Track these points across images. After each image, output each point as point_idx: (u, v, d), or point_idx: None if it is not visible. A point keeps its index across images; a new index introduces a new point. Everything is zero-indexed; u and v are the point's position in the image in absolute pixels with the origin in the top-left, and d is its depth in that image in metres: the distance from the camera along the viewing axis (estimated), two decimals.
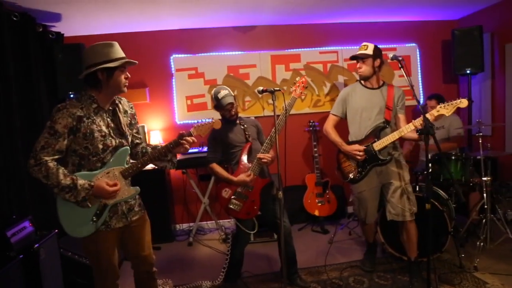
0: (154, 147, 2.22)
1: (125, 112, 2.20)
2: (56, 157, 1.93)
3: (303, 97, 3.02)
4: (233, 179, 2.81)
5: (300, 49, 4.73)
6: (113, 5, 3.46)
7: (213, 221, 4.57)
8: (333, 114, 3.19)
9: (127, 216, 2.13)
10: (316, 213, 4.40)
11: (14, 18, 3.25)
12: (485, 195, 3.28)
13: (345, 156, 3.05)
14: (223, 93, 2.83)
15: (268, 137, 2.82)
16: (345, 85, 4.66)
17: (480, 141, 3.32)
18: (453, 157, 3.46)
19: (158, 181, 4.21)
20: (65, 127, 1.91)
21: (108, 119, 2.07)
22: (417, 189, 3.35)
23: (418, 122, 2.62)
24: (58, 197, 1.96)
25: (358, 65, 2.99)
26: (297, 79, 2.99)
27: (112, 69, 1.98)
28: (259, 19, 4.40)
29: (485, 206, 3.26)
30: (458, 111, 4.65)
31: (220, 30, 4.60)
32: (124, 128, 2.12)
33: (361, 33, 4.72)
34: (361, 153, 2.91)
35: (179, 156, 3.91)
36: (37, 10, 3.41)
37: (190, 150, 4.11)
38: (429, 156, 3.26)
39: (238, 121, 2.96)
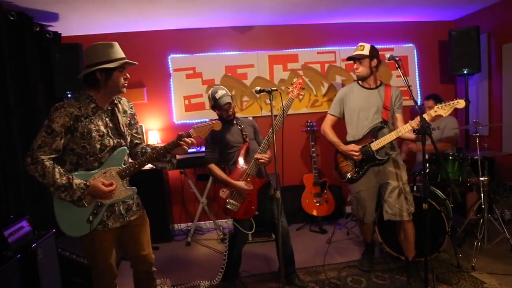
0: (154, 148, 2.21)
1: (125, 112, 2.19)
2: (53, 156, 1.93)
3: (300, 97, 3.03)
4: (231, 182, 2.80)
5: (298, 49, 4.74)
6: (110, 5, 3.46)
7: (211, 221, 4.57)
8: (330, 114, 3.19)
9: (124, 216, 2.13)
10: (314, 213, 4.41)
11: (11, 18, 3.24)
12: (482, 195, 3.29)
13: (343, 156, 3.06)
14: (220, 93, 2.83)
15: (266, 137, 2.82)
16: (343, 85, 4.67)
17: (477, 141, 3.34)
18: (450, 157, 3.47)
19: (156, 181, 4.20)
20: (62, 126, 1.91)
21: (107, 119, 2.07)
22: (415, 189, 3.36)
23: (415, 122, 2.63)
24: (54, 196, 1.96)
25: (355, 66, 3.00)
26: (294, 80, 2.99)
27: (111, 69, 1.98)
28: (257, 19, 4.40)
29: (483, 206, 3.27)
30: (456, 111, 4.69)
31: (218, 30, 4.60)
32: (122, 128, 2.12)
33: (359, 34, 4.73)
34: (357, 153, 2.91)
35: (177, 156, 3.90)
36: (34, 10, 3.40)
37: (188, 150, 4.16)
38: (427, 156, 3.29)
39: (235, 121, 2.96)
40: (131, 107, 2.26)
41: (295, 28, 4.74)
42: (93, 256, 2.08)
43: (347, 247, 3.83)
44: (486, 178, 3.32)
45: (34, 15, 3.53)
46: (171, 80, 4.58)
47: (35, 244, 2.49)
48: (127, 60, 2.03)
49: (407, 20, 4.87)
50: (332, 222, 4.44)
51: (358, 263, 3.33)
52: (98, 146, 1.99)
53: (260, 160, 2.78)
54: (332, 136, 3.11)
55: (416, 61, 4.94)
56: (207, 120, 2.26)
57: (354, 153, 2.92)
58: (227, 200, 2.81)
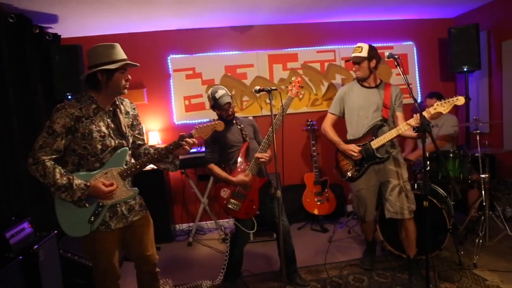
0: (156, 149, 2.21)
1: (127, 113, 2.20)
2: (54, 156, 1.94)
3: (300, 96, 3.03)
4: (232, 179, 2.81)
5: (297, 49, 4.74)
6: (109, 6, 3.46)
7: (213, 221, 4.57)
8: (331, 113, 3.19)
9: (127, 216, 2.13)
10: (316, 212, 4.41)
11: (11, 20, 3.24)
12: (483, 192, 3.29)
13: (343, 155, 3.06)
14: (220, 93, 2.83)
15: (266, 137, 2.82)
16: (343, 84, 4.66)
17: (478, 139, 3.33)
18: (451, 155, 3.47)
19: (157, 182, 4.20)
20: (63, 127, 1.92)
21: (108, 120, 2.07)
22: (416, 187, 3.36)
23: (415, 120, 2.63)
24: (55, 196, 1.96)
25: (354, 68, 3.00)
26: (293, 78, 3.00)
27: (112, 70, 1.98)
28: (256, 18, 4.40)
29: (484, 204, 3.27)
30: (456, 109, 4.72)
31: (217, 30, 4.60)
32: (124, 129, 2.12)
33: (358, 32, 4.73)
34: (356, 153, 2.91)
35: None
36: (33, 12, 3.41)
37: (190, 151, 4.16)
38: (427, 154, 3.28)
39: (234, 121, 2.96)
40: (134, 108, 2.27)
41: (295, 27, 4.74)
42: (95, 257, 2.08)
43: (349, 245, 3.83)
44: (487, 175, 3.32)
45: (33, 17, 3.53)
46: (171, 80, 4.58)
47: (36, 246, 2.49)
48: (128, 62, 2.03)
49: (406, 18, 4.86)
50: (333, 221, 4.44)
51: (360, 262, 3.33)
52: (99, 146, 2.00)
53: (261, 159, 2.78)
54: (332, 135, 3.12)
55: (415, 59, 4.94)
56: (208, 120, 2.25)
57: (353, 153, 2.92)
58: (229, 200, 2.81)
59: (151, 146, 2.30)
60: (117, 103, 2.13)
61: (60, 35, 4.13)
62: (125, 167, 2.08)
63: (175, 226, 4.69)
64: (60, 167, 1.93)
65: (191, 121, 4.59)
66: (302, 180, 4.56)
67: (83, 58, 3.91)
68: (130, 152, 2.18)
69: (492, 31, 4.41)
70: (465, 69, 4.33)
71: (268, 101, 2.52)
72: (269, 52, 4.69)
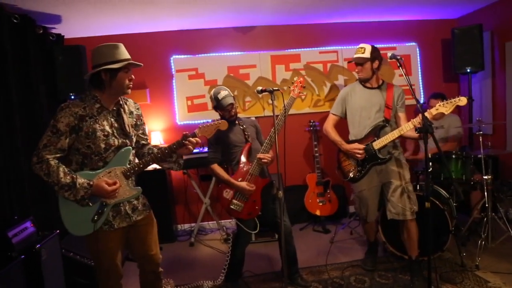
0: (159, 148, 2.22)
1: (131, 113, 2.21)
2: (58, 155, 1.95)
3: (303, 96, 3.03)
4: (233, 182, 2.80)
5: (300, 49, 4.74)
6: (112, 7, 3.47)
7: (215, 221, 4.57)
8: (333, 114, 3.19)
9: (131, 216, 2.14)
10: (318, 212, 4.40)
11: (15, 20, 3.26)
12: (486, 193, 3.27)
13: (345, 155, 3.06)
14: (223, 93, 2.83)
15: (268, 137, 2.82)
16: (345, 84, 4.66)
17: (481, 140, 3.32)
18: (453, 156, 3.46)
19: (159, 182, 4.21)
20: (67, 126, 1.93)
21: (112, 119, 2.09)
22: (418, 188, 3.35)
23: (417, 120, 2.63)
24: (59, 195, 1.97)
25: (356, 70, 2.99)
26: (295, 79, 3.00)
27: (115, 70, 2.00)
28: (258, 19, 4.41)
29: (486, 205, 3.25)
30: (460, 110, 4.70)
31: (219, 31, 4.61)
32: (128, 129, 2.13)
33: (361, 33, 4.73)
34: (360, 152, 2.91)
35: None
36: (37, 12, 3.43)
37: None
38: (429, 155, 3.27)
39: (237, 122, 2.96)
40: (138, 108, 2.28)
41: (297, 28, 4.74)
42: (98, 256, 2.09)
43: (350, 246, 3.83)
44: (490, 177, 3.30)
45: (37, 18, 3.55)
46: (174, 81, 4.59)
47: (39, 245, 2.51)
48: (131, 61, 2.05)
49: (409, 19, 4.85)
50: (335, 221, 4.43)
51: (361, 263, 3.32)
52: (102, 145, 2.01)
53: (263, 160, 2.78)
54: (334, 135, 3.11)
55: (418, 59, 4.92)
56: (210, 120, 2.26)
57: (358, 151, 2.92)
58: (231, 201, 2.82)
59: (155, 146, 2.30)
60: (121, 102, 2.15)
61: (63, 36, 4.15)
62: (129, 166, 2.09)
63: (177, 226, 4.69)
64: (63, 166, 1.94)
65: (193, 122, 4.59)
66: (304, 181, 4.56)
67: (86, 58, 3.93)
68: (133, 151, 2.19)
69: (496, 32, 4.39)
70: (468, 70, 4.31)
71: (270, 101, 2.51)
72: (272, 52, 4.69)
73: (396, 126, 2.97)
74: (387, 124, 2.93)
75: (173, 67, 4.58)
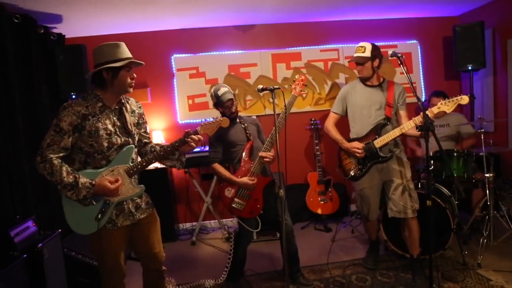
0: (162, 146, 2.22)
1: (133, 111, 2.22)
2: (62, 154, 1.96)
3: (304, 95, 3.02)
4: (235, 180, 2.81)
5: (300, 48, 4.73)
6: (113, 6, 3.47)
7: (216, 220, 4.58)
8: (333, 112, 3.19)
9: (134, 214, 2.14)
10: (319, 211, 4.40)
11: (16, 20, 3.26)
12: (487, 191, 3.27)
13: (346, 154, 3.05)
14: (222, 90, 2.84)
15: (269, 136, 2.82)
16: (346, 83, 4.65)
17: (483, 138, 3.31)
18: (455, 154, 3.45)
19: (161, 181, 4.22)
20: (70, 125, 1.94)
21: (114, 118, 2.09)
22: (419, 186, 3.34)
23: (419, 119, 2.62)
24: (62, 194, 1.98)
25: (357, 69, 2.99)
26: (296, 77, 2.99)
27: (117, 68, 2.01)
28: (259, 17, 4.40)
29: (488, 203, 3.24)
30: (461, 107, 4.68)
31: (220, 29, 4.61)
32: (130, 127, 2.14)
33: (362, 31, 4.71)
34: (360, 151, 2.90)
35: None
36: (38, 12, 3.43)
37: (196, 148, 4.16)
38: (431, 153, 3.26)
39: (238, 120, 2.96)
40: (140, 107, 2.29)
41: (298, 26, 4.73)
42: (102, 255, 2.09)
43: (352, 245, 3.83)
44: (491, 175, 3.29)
45: (38, 17, 3.55)
46: (175, 80, 4.59)
47: (41, 244, 2.51)
48: (132, 60, 2.05)
49: (410, 16, 4.83)
50: (336, 220, 4.43)
51: (363, 261, 3.32)
52: (105, 144, 2.02)
53: (265, 159, 2.78)
54: (335, 133, 3.11)
55: (420, 57, 4.91)
56: (212, 119, 2.26)
57: (357, 150, 2.91)
58: (233, 199, 2.82)
59: (157, 144, 2.31)
60: (123, 101, 2.16)
61: (64, 35, 4.15)
62: (131, 164, 2.10)
63: (178, 225, 4.70)
64: (67, 166, 1.95)
65: (194, 120, 4.60)
66: (306, 180, 4.56)
67: (87, 57, 3.94)
68: (136, 150, 2.20)
69: (497, 29, 4.37)
70: (470, 68, 4.30)
71: (271, 100, 2.51)
72: (273, 51, 4.69)
73: (397, 124, 2.96)
74: (388, 123, 2.92)
75: (174, 66, 4.58)
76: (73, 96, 3.83)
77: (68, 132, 1.94)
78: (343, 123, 3.20)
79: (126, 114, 2.14)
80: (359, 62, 2.93)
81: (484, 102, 4.62)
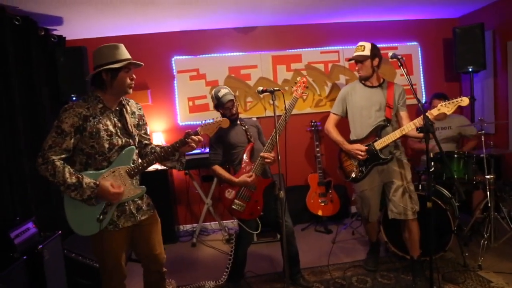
0: (162, 147, 2.23)
1: (133, 113, 2.23)
2: (63, 156, 1.97)
3: (304, 97, 3.02)
4: (234, 180, 2.81)
5: (301, 49, 4.73)
6: (114, 8, 3.48)
7: (216, 222, 4.58)
8: (333, 113, 3.19)
9: (135, 215, 2.15)
10: (319, 213, 4.39)
11: (16, 22, 3.27)
12: (488, 193, 3.26)
13: (347, 155, 3.05)
14: (223, 91, 2.84)
15: (270, 138, 2.82)
16: (347, 84, 4.64)
17: (483, 139, 3.31)
18: (455, 156, 3.45)
19: (161, 182, 4.22)
20: (71, 126, 1.95)
21: (115, 119, 2.10)
22: (420, 187, 3.34)
23: (419, 120, 2.62)
24: (65, 195, 1.98)
25: (357, 67, 2.99)
26: (298, 79, 2.99)
27: (116, 70, 2.02)
28: (259, 19, 4.41)
29: (489, 205, 3.24)
30: (462, 109, 4.68)
31: (221, 32, 4.61)
32: (131, 128, 2.15)
33: (362, 33, 4.72)
34: (363, 153, 2.90)
35: None
36: (38, 14, 3.44)
37: (192, 151, 4.16)
38: (431, 155, 3.26)
39: (239, 122, 2.96)
40: (140, 109, 2.30)
41: (298, 28, 4.74)
42: (103, 256, 2.10)
43: (352, 247, 3.82)
44: (492, 176, 3.29)
45: (38, 19, 3.56)
46: (175, 81, 4.60)
47: (41, 246, 2.51)
48: (131, 61, 2.06)
49: (410, 18, 4.84)
50: (337, 222, 4.42)
51: (363, 263, 3.32)
52: (106, 145, 2.02)
53: (266, 159, 2.78)
54: (335, 135, 3.11)
55: (420, 59, 4.91)
56: (212, 120, 2.26)
57: (360, 152, 2.91)
58: (233, 201, 2.82)
59: (157, 145, 2.32)
60: (123, 103, 2.17)
61: (65, 37, 4.16)
62: (132, 165, 2.11)
63: (179, 227, 4.70)
64: (69, 167, 1.96)
65: (195, 122, 4.60)
66: (306, 181, 4.55)
67: (88, 59, 3.94)
68: (137, 151, 2.20)
69: (498, 31, 4.37)
70: (470, 69, 4.30)
71: (271, 102, 2.52)
72: (273, 53, 4.69)
73: (398, 125, 2.96)
74: (388, 124, 2.92)
75: (174, 68, 4.58)
76: (74, 98, 3.84)
77: (70, 134, 1.95)
78: (343, 124, 3.20)
79: (127, 116, 2.15)
80: (359, 60, 2.93)
81: (484, 104, 4.62)
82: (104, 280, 2.16)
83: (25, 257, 2.39)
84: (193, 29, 4.55)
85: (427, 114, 2.50)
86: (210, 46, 4.62)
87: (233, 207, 2.81)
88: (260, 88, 2.61)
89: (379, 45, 3.01)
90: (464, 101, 2.56)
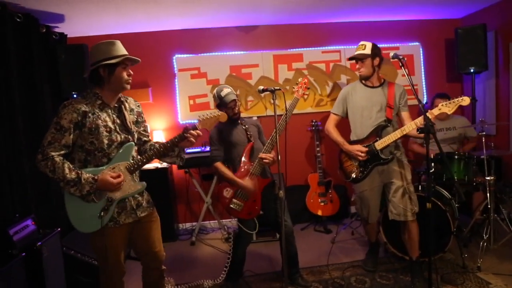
0: (161, 143, 2.24)
1: (131, 110, 2.24)
2: (63, 152, 1.97)
3: (305, 96, 3.02)
4: (237, 181, 2.80)
5: (302, 49, 4.73)
6: (115, 6, 3.48)
7: (216, 221, 4.58)
8: (334, 113, 3.18)
9: (136, 211, 2.15)
10: (319, 212, 4.39)
11: (18, 19, 3.27)
12: (488, 194, 3.25)
13: (347, 156, 3.04)
14: (226, 91, 2.84)
15: (270, 138, 2.82)
16: (348, 84, 4.64)
17: (483, 140, 3.30)
18: (456, 157, 3.44)
19: (161, 181, 4.22)
20: (70, 122, 1.95)
21: (114, 116, 2.11)
22: (420, 188, 3.33)
23: (420, 120, 2.61)
24: (65, 191, 1.99)
25: (357, 66, 2.98)
26: (299, 79, 2.99)
27: (113, 65, 2.03)
28: (261, 18, 4.40)
29: (489, 206, 3.23)
30: (463, 110, 4.67)
31: (222, 30, 4.61)
32: (129, 125, 2.16)
33: (364, 32, 4.71)
34: (363, 154, 2.89)
35: None
36: (40, 11, 3.44)
37: (192, 150, 4.17)
38: (432, 155, 3.25)
39: (239, 121, 2.96)
40: (138, 106, 2.31)
41: (300, 27, 4.73)
42: (103, 253, 2.09)
43: (352, 247, 3.82)
44: (492, 178, 3.28)
45: (40, 17, 3.56)
46: (176, 80, 4.59)
47: (40, 243, 2.51)
48: (128, 56, 2.07)
49: (412, 18, 4.83)
50: (336, 222, 4.42)
51: (362, 263, 3.32)
52: (106, 141, 2.03)
53: (265, 160, 2.78)
54: (336, 135, 3.10)
55: (422, 59, 4.90)
56: (209, 112, 2.25)
57: (360, 153, 2.90)
58: (231, 200, 2.81)
59: (156, 142, 2.32)
60: (122, 99, 2.18)
61: (66, 35, 4.17)
62: (132, 161, 2.11)
63: (178, 225, 4.70)
64: (68, 163, 1.96)
65: (195, 121, 4.55)
66: (306, 181, 4.55)
67: (89, 57, 3.94)
68: (136, 147, 2.20)
69: (500, 32, 4.36)
70: (472, 70, 4.29)
71: (272, 101, 2.51)
72: (274, 52, 4.69)
73: (398, 126, 2.95)
74: (389, 124, 2.91)
75: (175, 66, 4.58)
76: (75, 96, 3.84)
77: (69, 130, 1.95)
78: (344, 125, 3.19)
79: (125, 112, 2.16)
80: (359, 58, 2.92)
81: (486, 104, 4.61)
82: (104, 277, 2.16)
83: (24, 254, 2.40)
84: (194, 27, 4.55)
85: (428, 113, 2.50)
86: (211, 45, 4.62)
87: (231, 206, 2.81)
88: (261, 87, 2.61)
89: (380, 45, 3.01)
90: (465, 100, 2.55)
